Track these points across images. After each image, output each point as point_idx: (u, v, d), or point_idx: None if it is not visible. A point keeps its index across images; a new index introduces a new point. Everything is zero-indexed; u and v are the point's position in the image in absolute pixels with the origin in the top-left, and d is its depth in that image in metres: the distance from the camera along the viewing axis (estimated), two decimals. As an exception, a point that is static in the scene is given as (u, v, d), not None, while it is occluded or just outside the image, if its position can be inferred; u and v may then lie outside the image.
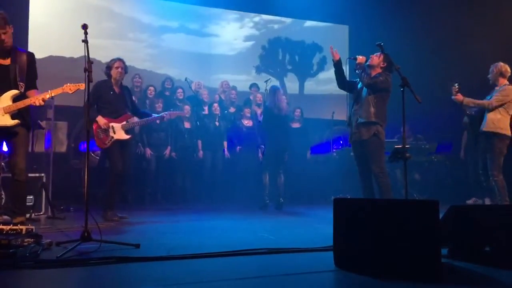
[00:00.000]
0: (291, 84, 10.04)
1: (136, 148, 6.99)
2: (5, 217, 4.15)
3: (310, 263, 2.96)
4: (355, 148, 4.97)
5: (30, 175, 4.51)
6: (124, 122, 5.20)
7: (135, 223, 4.93)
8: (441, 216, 2.66)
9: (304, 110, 8.21)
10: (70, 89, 3.83)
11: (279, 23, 10.13)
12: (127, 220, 5.08)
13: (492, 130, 5.44)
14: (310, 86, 10.16)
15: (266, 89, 7.25)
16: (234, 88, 8.52)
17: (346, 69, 5.03)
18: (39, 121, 5.90)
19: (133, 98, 5.87)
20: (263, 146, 6.77)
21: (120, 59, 5.23)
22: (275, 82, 8.87)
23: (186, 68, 8.68)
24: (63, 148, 7.49)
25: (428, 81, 7.52)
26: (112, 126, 5.10)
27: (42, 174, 5.59)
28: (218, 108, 7.76)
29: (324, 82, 10.00)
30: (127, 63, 5.37)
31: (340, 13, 9.70)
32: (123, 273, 2.66)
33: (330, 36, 9.74)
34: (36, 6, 7.95)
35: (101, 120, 5.07)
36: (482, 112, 5.65)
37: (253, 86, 8.70)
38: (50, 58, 7.82)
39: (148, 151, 7.10)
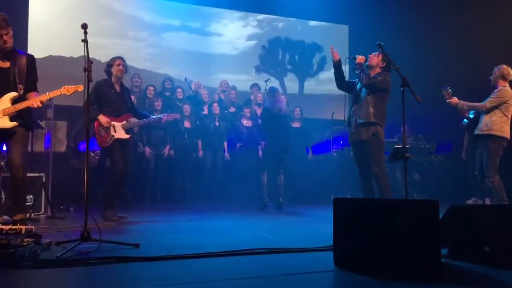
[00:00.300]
0: (291, 84, 10.03)
1: (136, 147, 6.98)
2: (5, 217, 4.15)
3: (310, 263, 2.96)
4: (355, 148, 4.97)
5: (29, 174, 4.52)
6: (125, 122, 5.21)
7: (134, 223, 4.93)
8: (441, 216, 2.66)
9: (304, 110, 8.20)
10: (68, 91, 3.83)
11: (279, 23, 10.12)
12: (127, 220, 5.08)
13: (486, 132, 5.47)
14: (310, 86, 10.15)
15: (266, 89, 7.26)
16: (233, 88, 8.50)
17: (345, 69, 5.04)
18: (38, 120, 5.91)
19: (132, 98, 5.87)
20: (263, 143, 6.77)
21: (120, 57, 5.26)
22: (275, 82, 8.88)
23: (186, 67, 8.65)
24: (63, 148, 7.50)
25: (428, 81, 7.51)
26: (113, 124, 5.12)
27: (42, 174, 5.59)
28: (218, 108, 7.76)
29: (324, 82, 9.99)
30: (127, 63, 5.39)
31: (340, 13, 9.70)
32: (122, 273, 2.66)
33: (330, 36, 9.72)
34: (35, 6, 7.94)
35: (102, 118, 5.09)
36: (479, 114, 5.68)
37: (254, 86, 8.68)
38: (49, 58, 7.81)
39: (148, 150, 7.10)
